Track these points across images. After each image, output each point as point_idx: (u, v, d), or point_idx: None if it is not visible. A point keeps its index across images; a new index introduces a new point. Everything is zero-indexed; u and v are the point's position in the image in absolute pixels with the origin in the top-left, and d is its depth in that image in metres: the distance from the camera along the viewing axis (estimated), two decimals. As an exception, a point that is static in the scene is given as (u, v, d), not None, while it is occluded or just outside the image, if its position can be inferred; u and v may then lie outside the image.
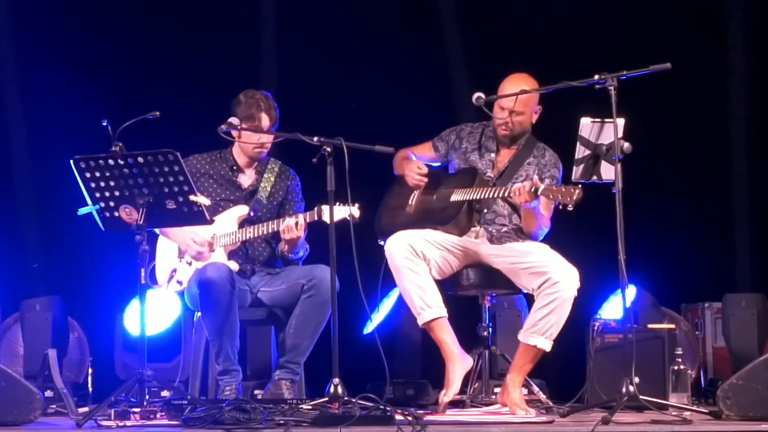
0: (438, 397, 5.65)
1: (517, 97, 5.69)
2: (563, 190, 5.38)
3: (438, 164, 6.06)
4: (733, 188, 7.29)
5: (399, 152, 6.06)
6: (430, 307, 5.60)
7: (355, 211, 5.49)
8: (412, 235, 5.68)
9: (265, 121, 5.84)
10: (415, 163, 5.96)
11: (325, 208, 5.40)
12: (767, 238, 7.17)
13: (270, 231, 5.78)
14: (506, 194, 5.61)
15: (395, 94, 7.00)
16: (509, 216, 5.81)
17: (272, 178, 6.02)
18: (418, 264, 5.61)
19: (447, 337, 5.61)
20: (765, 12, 7.15)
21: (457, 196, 5.78)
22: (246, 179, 6.01)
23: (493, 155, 5.90)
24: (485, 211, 5.83)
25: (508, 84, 5.79)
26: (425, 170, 5.92)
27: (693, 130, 7.27)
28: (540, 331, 5.51)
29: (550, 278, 5.50)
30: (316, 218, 5.64)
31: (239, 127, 5.73)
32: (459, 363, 5.60)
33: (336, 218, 5.30)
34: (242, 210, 5.91)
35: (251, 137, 5.86)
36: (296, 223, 5.66)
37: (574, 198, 5.33)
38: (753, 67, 7.24)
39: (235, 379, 5.66)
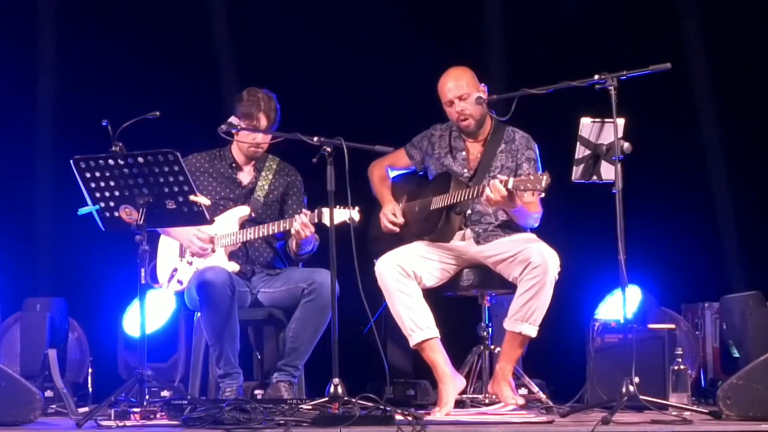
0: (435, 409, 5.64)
1: (456, 83, 5.81)
2: (531, 178, 5.41)
3: (414, 170, 6.08)
4: (724, 189, 7.28)
5: (374, 165, 6.09)
6: (420, 329, 5.60)
7: (355, 214, 5.48)
8: (401, 254, 5.69)
9: (262, 121, 5.83)
10: (391, 206, 5.98)
11: (326, 210, 5.38)
12: (763, 238, 7.16)
13: (271, 232, 5.77)
14: (475, 195, 5.61)
15: (396, 93, 7.00)
16: (494, 213, 5.82)
17: (270, 176, 6.01)
18: (408, 285, 5.62)
19: (439, 358, 5.61)
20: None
21: (436, 204, 5.81)
22: (245, 176, 6.02)
23: (464, 153, 5.92)
24: (468, 212, 5.84)
25: (448, 80, 5.87)
26: (401, 220, 5.94)
27: (693, 130, 7.27)
28: (524, 317, 5.55)
29: (530, 263, 5.53)
30: (316, 221, 5.64)
31: (239, 127, 5.73)
32: (452, 384, 5.60)
33: (336, 221, 5.28)
34: (243, 210, 5.91)
35: (248, 136, 5.86)
36: (304, 224, 5.65)
37: (543, 185, 5.37)
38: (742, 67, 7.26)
39: (236, 381, 5.66)
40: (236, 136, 5.81)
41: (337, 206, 5.36)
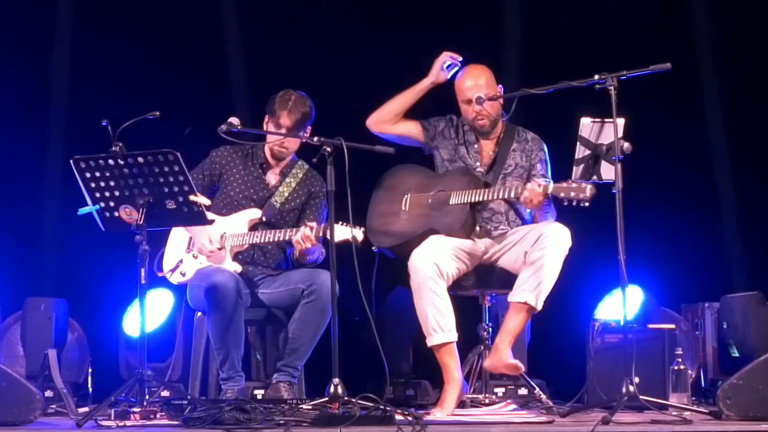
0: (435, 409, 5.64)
1: (476, 82, 5.81)
2: (574, 186, 5.40)
3: (419, 145, 6.04)
4: (724, 189, 7.28)
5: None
6: (443, 331, 5.57)
7: (358, 233, 5.46)
8: (438, 252, 5.61)
9: (284, 121, 5.78)
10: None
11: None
12: (763, 238, 7.17)
13: (277, 239, 5.75)
14: (510, 195, 5.60)
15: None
16: (506, 213, 5.82)
17: (293, 183, 5.97)
18: (440, 285, 5.58)
19: (452, 363, 5.60)
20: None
21: (455, 199, 5.76)
22: (272, 178, 5.99)
23: (476, 146, 5.92)
24: (481, 208, 5.84)
25: (467, 78, 5.85)
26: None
27: (693, 130, 7.27)
28: (529, 288, 5.51)
29: (541, 234, 5.53)
30: (320, 235, 5.63)
31: (239, 127, 5.71)
32: (457, 389, 5.59)
33: (339, 239, 5.28)
34: (254, 213, 5.88)
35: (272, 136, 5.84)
36: (305, 236, 5.63)
37: (589, 194, 5.35)
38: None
39: (238, 384, 5.66)
40: (267, 137, 5.79)
41: (342, 223, 5.37)
